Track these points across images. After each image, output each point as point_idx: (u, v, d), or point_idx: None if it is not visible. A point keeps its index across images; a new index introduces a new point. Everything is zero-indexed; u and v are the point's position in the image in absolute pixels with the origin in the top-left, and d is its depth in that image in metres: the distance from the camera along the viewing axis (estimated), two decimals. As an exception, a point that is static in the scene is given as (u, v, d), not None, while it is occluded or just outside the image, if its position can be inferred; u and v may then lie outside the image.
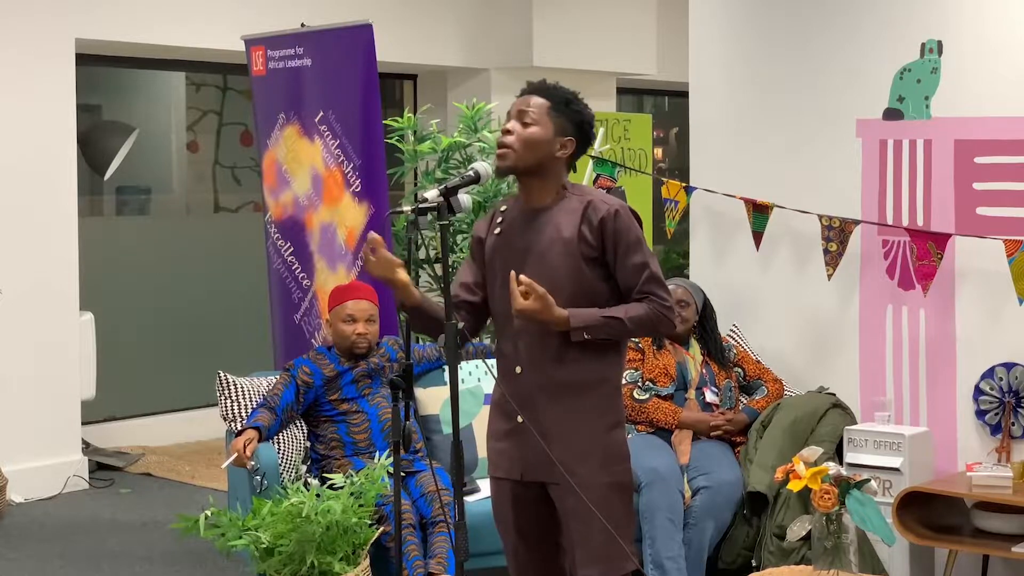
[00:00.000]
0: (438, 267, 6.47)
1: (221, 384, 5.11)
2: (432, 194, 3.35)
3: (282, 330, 6.28)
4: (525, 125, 3.47)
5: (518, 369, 3.50)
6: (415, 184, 7.00)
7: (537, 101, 3.50)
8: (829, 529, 3.59)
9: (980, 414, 5.05)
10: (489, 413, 3.64)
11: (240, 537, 4.47)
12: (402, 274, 3.40)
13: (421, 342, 5.61)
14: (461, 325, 3.29)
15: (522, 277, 3.33)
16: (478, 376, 5.30)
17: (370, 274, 3.42)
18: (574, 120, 3.52)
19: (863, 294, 5.35)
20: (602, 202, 3.50)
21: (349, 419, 5.00)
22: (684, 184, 5.62)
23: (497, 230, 3.57)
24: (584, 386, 3.48)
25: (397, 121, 6.48)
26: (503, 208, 3.62)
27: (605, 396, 3.51)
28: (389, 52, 7.62)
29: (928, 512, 4.86)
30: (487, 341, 5.57)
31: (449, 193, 3.36)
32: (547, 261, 3.47)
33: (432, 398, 5.21)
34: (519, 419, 3.46)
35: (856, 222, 5.20)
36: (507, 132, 3.48)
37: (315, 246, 6.02)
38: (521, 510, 3.56)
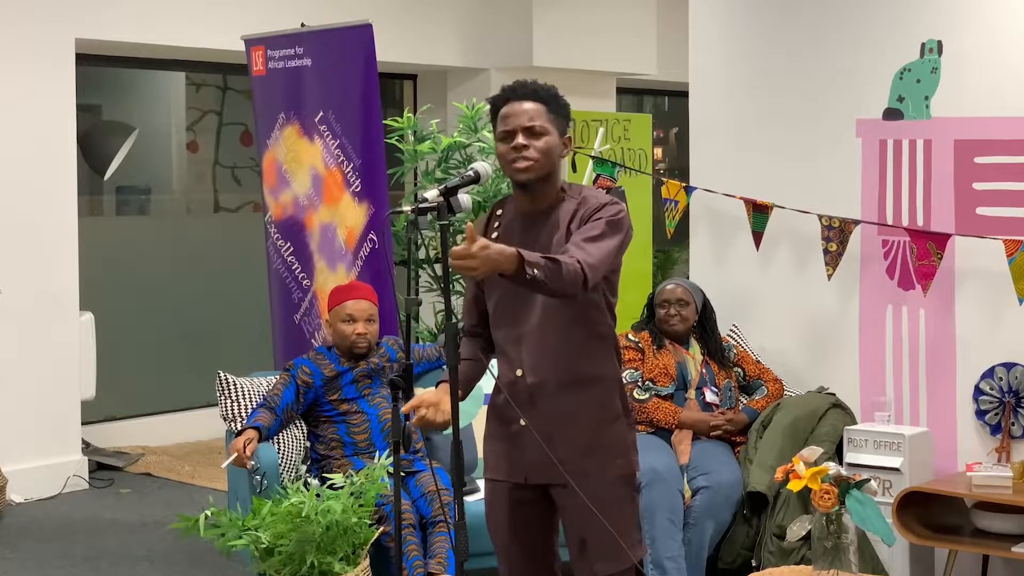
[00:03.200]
0: (438, 267, 6.46)
1: (221, 384, 5.11)
2: (432, 194, 3.34)
3: (282, 330, 6.28)
4: (537, 136, 3.43)
5: (519, 372, 3.49)
6: (415, 184, 7.00)
7: (535, 108, 3.45)
8: (829, 529, 3.58)
9: (980, 414, 5.05)
10: (487, 415, 3.63)
11: (240, 537, 4.47)
12: (447, 416, 3.38)
13: (421, 342, 5.61)
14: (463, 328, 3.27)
15: (469, 227, 3.13)
16: (478, 376, 5.28)
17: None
18: (565, 115, 3.51)
19: (863, 294, 5.34)
20: (594, 197, 3.49)
21: (349, 419, 5.00)
22: (684, 184, 5.62)
23: (495, 235, 3.53)
24: (583, 383, 3.48)
25: (397, 121, 6.47)
26: (499, 212, 3.59)
27: (605, 391, 3.51)
28: (389, 52, 7.63)
29: (928, 512, 4.86)
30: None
31: (449, 193, 3.35)
32: None
33: (432, 398, 5.20)
34: (521, 422, 3.46)
35: (856, 222, 5.20)
36: (522, 147, 3.41)
37: (315, 246, 6.02)
38: (518, 513, 3.56)
